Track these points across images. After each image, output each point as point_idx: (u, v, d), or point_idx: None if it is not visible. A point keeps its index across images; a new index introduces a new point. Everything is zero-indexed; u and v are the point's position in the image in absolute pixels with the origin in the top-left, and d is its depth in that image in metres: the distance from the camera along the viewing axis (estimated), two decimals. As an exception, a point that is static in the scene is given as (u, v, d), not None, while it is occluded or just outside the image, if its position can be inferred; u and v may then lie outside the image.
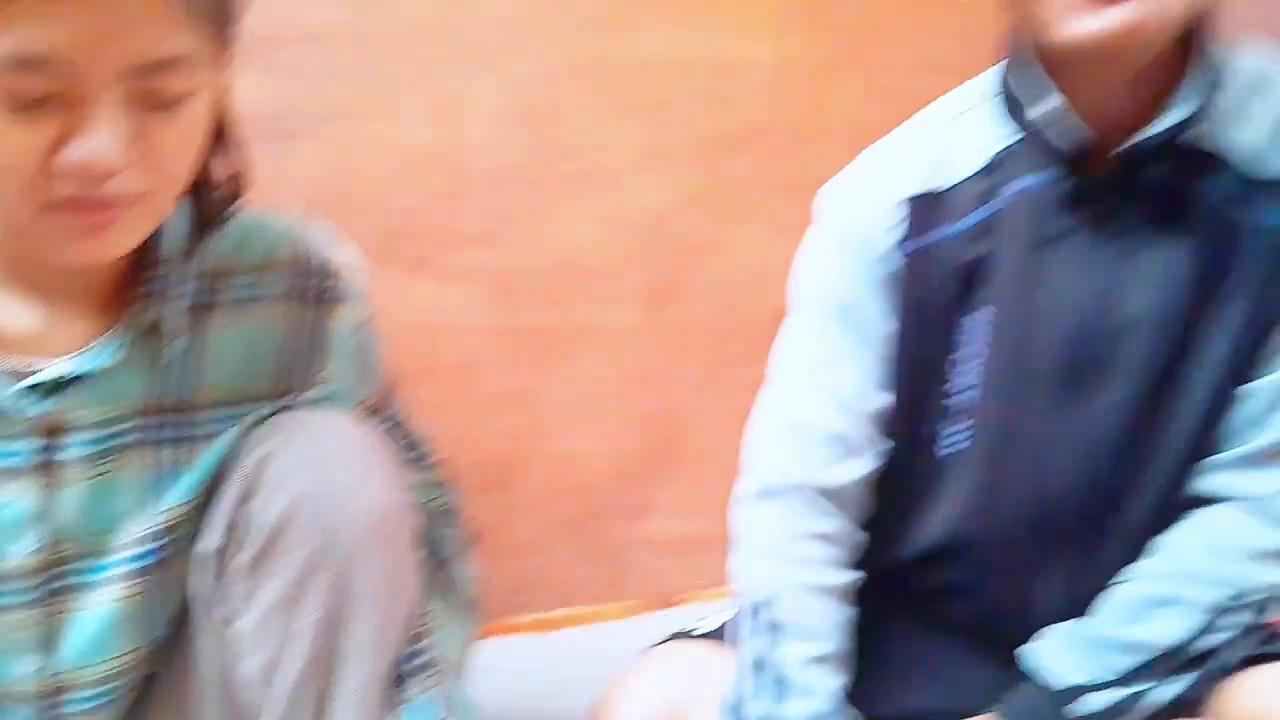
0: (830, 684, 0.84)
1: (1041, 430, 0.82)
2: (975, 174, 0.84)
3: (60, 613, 0.74)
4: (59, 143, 0.59)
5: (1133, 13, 0.70)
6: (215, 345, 0.76)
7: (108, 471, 0.74)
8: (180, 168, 0.67)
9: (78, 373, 0.70)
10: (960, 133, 0.86)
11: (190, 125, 0.65)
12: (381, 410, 0.86)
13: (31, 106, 0.58)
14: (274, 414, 0.77)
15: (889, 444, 0.88)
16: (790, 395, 0.90)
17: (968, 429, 0.84)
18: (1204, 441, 0.81)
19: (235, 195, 0.76)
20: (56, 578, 0.74)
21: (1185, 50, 0.77)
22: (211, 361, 0.77)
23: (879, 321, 0.86)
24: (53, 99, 0.58)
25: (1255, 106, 0.78)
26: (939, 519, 0.86)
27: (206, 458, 0.76)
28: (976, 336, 0.83)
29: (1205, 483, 0.81)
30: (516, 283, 1.57)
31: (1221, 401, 0.80)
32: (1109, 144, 0.78)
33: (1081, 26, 0.72)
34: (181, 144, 0.65)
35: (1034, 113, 0.80)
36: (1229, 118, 0.78)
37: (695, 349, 1.61)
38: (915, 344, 0.86)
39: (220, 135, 0.72)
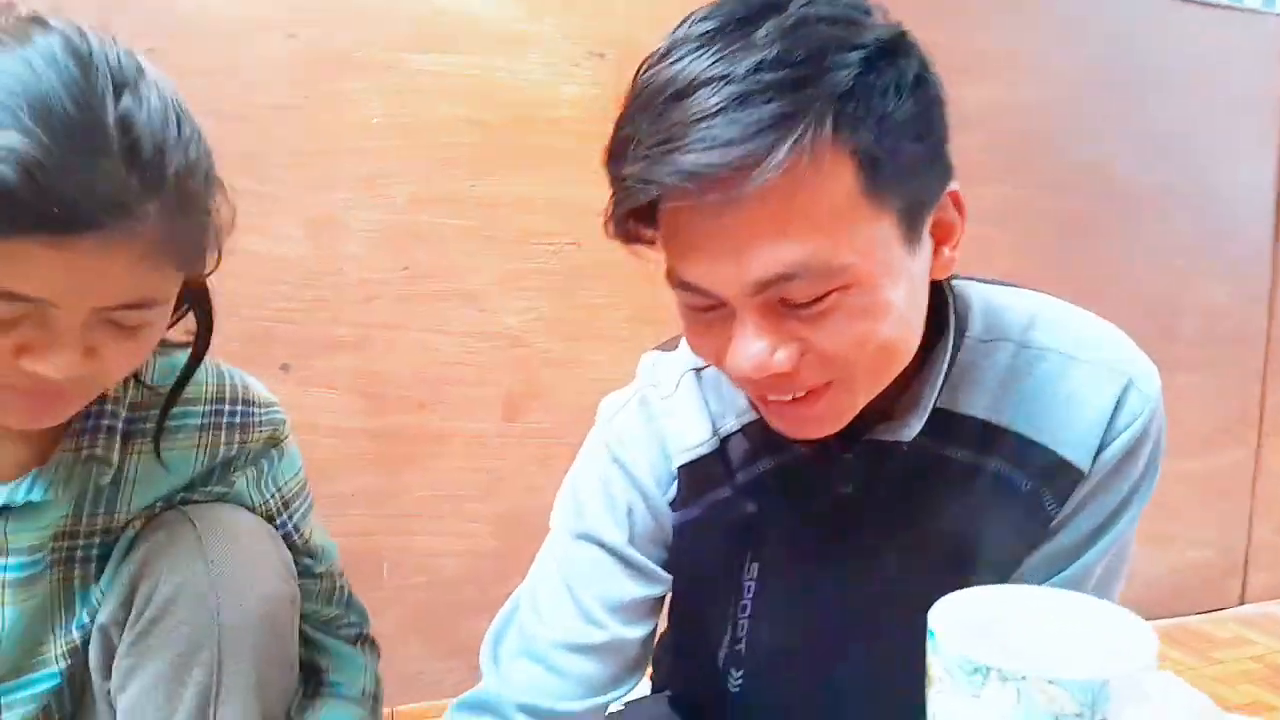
0: None
1: (811, 676, 0.83)
2: (743, 428, 0.78)
3: None
4: (21, 350, 0.62)
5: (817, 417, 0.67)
6: (138, 471, 0.79)
7: (36, 594, 0.76)
8: (130, 368, 0.70)
9: (12, 502, 0.72)
10: (727, 388, 0.79)
11: (146, 342, 0.68)
12: (278, 517, 0.88)
13: (2, 323, 0.61)
14: (176, 504, 0.81)
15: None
16: (557, 611, 0.80)
17: (740, 676, 0.84)
18: None
19: (203, 350, 0.79)
20: None
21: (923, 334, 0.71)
22: (134, 486, 0.80)
23: (656, 567, 0.81)
24: (23, 319, 0.61)
25: (987, 363, 0.75)
26: None
27: (114, 555, 0.79)
28: (749, 590, 0.81)
29: None
30: (380, 388, 1.66)
31: None
32: (859, 428, 0.71)
33: (788, 433, 0.70)
34: (135, 356, 0.68)
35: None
36: (965, 376, 0.74)
37: (549, 456, 1.74)
38: (692, 597, 0.84)
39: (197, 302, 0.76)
